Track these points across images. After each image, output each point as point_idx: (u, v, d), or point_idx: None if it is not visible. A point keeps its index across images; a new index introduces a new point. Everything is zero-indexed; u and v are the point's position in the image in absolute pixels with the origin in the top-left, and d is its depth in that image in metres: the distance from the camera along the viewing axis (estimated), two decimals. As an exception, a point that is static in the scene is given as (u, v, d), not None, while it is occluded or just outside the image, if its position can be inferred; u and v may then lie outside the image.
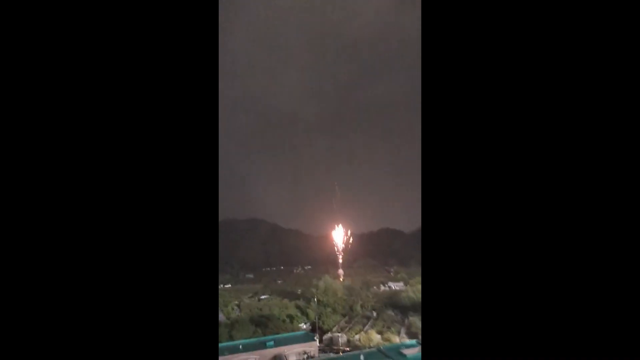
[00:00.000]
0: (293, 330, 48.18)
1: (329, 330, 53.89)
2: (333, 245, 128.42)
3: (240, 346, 34.88)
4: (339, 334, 50.16)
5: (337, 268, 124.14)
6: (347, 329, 54.08)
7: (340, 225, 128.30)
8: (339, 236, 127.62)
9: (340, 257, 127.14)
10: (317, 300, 60.81)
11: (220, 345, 34.00)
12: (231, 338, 41.89)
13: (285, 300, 73.83)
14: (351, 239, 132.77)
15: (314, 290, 67.18)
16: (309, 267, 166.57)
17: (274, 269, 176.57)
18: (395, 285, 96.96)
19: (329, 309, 59.74)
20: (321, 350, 42.08)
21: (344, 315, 62.16)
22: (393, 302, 70.28)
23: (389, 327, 53.30)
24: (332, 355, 38.97)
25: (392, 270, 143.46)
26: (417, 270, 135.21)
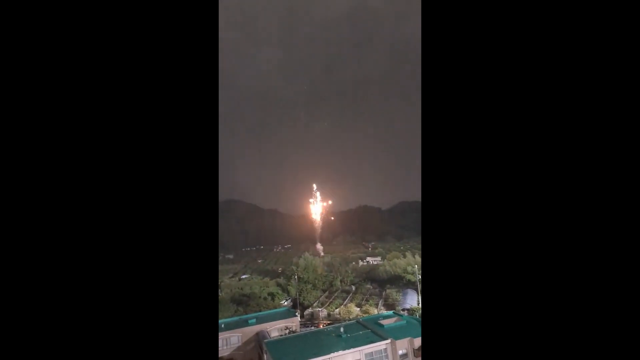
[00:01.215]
0: (274, 308, 49.04)
1: (310, 305, 55.31)
2: (311, 216, 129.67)
3: (222, 325, 35.20)
4: (320, 309, 51.64)
5: (316, 242, 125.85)
6: (328, 303, 55.69)
7: (316, 191, 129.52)
8: (316, 208, 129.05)
9: (318, 225, 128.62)
10: (298, 277, 61.87)
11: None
12: (213, 318, 42.05)
13: (266, 279, 74.58)
14: (331, 206, 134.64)
15: (294, 267, 68.13)
16: (289, 245, 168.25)
17: (254, 248, 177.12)
18: (373, 260, 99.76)
19: (309, 286, 61.02)
20: (302, 325, 43.24)
21: (324, 291, 63.76)
22: (371, 276, 72.53)
23: (367, 300, 55.32)
24: (313, 329, 40.15)
25: (370, 245, 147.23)
26: (394, 244, 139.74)
